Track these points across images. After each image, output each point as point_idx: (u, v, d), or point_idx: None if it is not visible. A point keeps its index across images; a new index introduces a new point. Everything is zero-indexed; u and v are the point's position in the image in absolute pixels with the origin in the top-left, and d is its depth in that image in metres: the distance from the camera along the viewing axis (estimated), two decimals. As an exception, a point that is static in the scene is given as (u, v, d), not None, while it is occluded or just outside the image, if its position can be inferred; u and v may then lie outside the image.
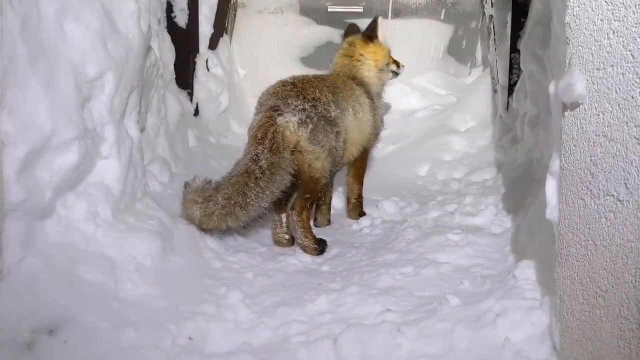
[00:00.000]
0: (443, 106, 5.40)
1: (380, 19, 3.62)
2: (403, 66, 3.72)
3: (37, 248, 2.13)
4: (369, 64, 3.55)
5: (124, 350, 1.98)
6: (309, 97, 2.98)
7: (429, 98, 5.62)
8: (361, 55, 3.54)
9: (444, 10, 5.77)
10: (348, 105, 3.23)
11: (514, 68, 4.13)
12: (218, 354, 2.09)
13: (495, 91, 4.71)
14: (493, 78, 4.80)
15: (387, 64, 3.64)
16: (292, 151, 2.91)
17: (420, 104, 5.58)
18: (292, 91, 3.01)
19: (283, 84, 3.11)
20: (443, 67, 5.96)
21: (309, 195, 3.03)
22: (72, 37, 2.33)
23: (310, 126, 2.92)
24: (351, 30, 3.75)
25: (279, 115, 2.93)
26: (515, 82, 4.05)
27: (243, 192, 2.81)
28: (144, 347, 2.02)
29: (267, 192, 2.84)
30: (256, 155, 2.86)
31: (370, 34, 3.59)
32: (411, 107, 5.51)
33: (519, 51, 3.85)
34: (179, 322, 2.18)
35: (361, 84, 3.47)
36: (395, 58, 3.71)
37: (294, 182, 2.98)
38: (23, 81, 2.08)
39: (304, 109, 2.94)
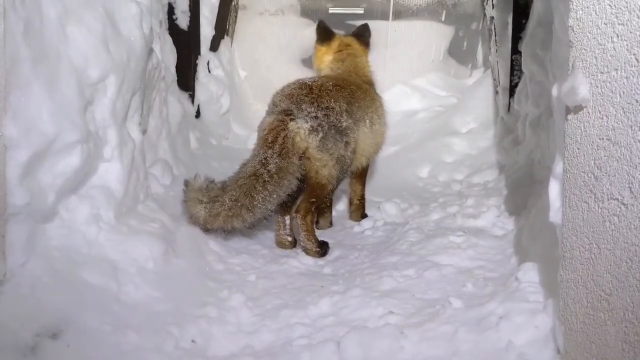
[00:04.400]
0: (444, 107, 5.39)
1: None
2: None
3: (40, 251, 2.12)
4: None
5: (126, 354, 1.98)
6: (323, 105, 2.97)
7: (429, 99, 5.62)
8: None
9: (444, 12, 5.77)
10: (365, 115, 3.20)
11: (515, 69, 4.13)
12: (220, 356, 2.09)
13: (496, 92, 4.70)
14: (494, 79, 4.80)
15: None
16: (301, 157, 2.92)
17: (421, 105, 5.57)
18: (307, 96, 2.99)
19: (300, 86, 3.07)
20: (444, 69, 5.96)
21: (314, 200, 3.03)
22: (74, 40, 2.33)
23: (321, 134, 2.92)
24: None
25: (291, 120, 2.93)
26: (517, 84, 4.04)
27: (250, 194, 2.82)
28: (147, 350, 2.01)
29: (274, 196, 2.85)
30: (265, 158, 2.86)
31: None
32: (412, 109, 5.50)
33: (520, 52, 3.85)
34: (182, 325, 2.18)
35: (374, 87, 3.49)
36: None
37: (300, 186, 2.99)
38: (26, 84, 2.07)
39: (316, 117, 2.93)
